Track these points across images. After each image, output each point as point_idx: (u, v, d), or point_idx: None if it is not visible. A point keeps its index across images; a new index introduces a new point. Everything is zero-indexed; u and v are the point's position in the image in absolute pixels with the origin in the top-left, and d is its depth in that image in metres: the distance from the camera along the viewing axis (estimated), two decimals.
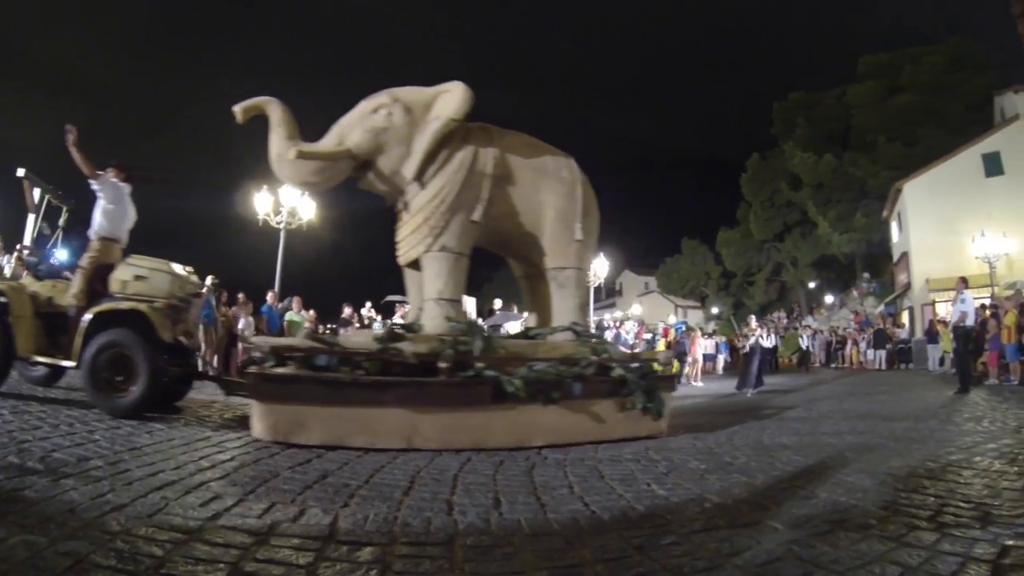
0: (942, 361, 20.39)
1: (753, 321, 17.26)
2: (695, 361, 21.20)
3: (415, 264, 7.15)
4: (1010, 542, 2.78)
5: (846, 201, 39.80)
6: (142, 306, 6.39)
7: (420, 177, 6.86)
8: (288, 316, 14.87)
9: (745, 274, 50.75)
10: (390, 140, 6.86)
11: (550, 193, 7.44)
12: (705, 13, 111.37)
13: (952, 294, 14.97)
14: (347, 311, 17.59)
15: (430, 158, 6.83)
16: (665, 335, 24.25)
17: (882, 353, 25.11)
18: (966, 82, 35.23)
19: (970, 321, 12.94)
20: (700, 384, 20.09)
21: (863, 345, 26.93)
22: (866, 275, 40.92)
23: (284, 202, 17.21)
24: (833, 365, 28.42)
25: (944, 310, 22.50)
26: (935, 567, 2.50)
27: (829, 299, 46.49)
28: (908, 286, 29.03)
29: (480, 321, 18.98)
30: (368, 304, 20.31)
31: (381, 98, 6.98)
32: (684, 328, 21.97)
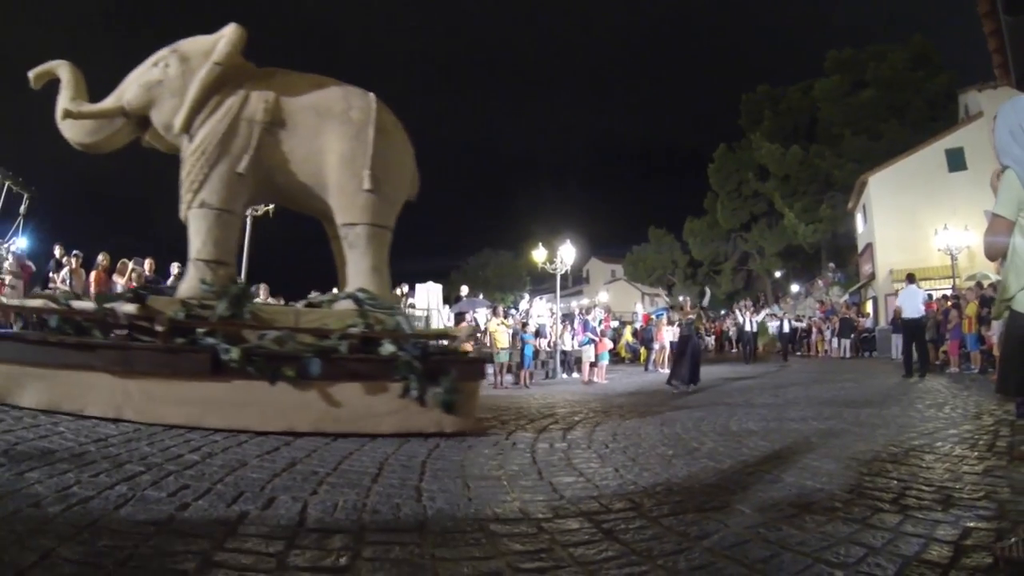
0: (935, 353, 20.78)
1: (687, 304, 14.71)
2: (662, 348, 21.35)
3: None
4: (971, 524, 2.84)
5: (812, 193, 40.29)
6: None
7: (188, 128, 6.42)
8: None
9: (712, 263, 51.08)
10: (163, 93, 6.53)
11: (334, 137, 6.63)
12: (674, 4, 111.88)
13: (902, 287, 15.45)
14: (313, 295, 17.45)
15: (196, 107, 6.42)
16: (646, 321, 24.41)
17: (847, 342, 25.47)
18: (927, 79, 35.97)
19: (908, 314, 13.66)
20: (667, 371, 20.27)
21: (828, 334, 27.27)
22: (831, 265, 41.35)
23: None
24: (799, 353, 28.73)
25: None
26: (899, 548, 2.54)
27: (795, 288, 46.99)
28: (872, 276, 29.46)
29: (447, 307, 18.98)
30: (335, 290, 20.16)
31: (163, 51, 6.70)
32: (664, 314, 22.11)
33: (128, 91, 6.60)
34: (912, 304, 13.86)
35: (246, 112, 6.46)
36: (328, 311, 6.47)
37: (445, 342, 6.84)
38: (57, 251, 11.97)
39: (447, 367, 5.87)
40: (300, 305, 7.19)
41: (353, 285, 6.68)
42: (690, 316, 13.50)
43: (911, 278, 14.39)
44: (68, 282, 11.50)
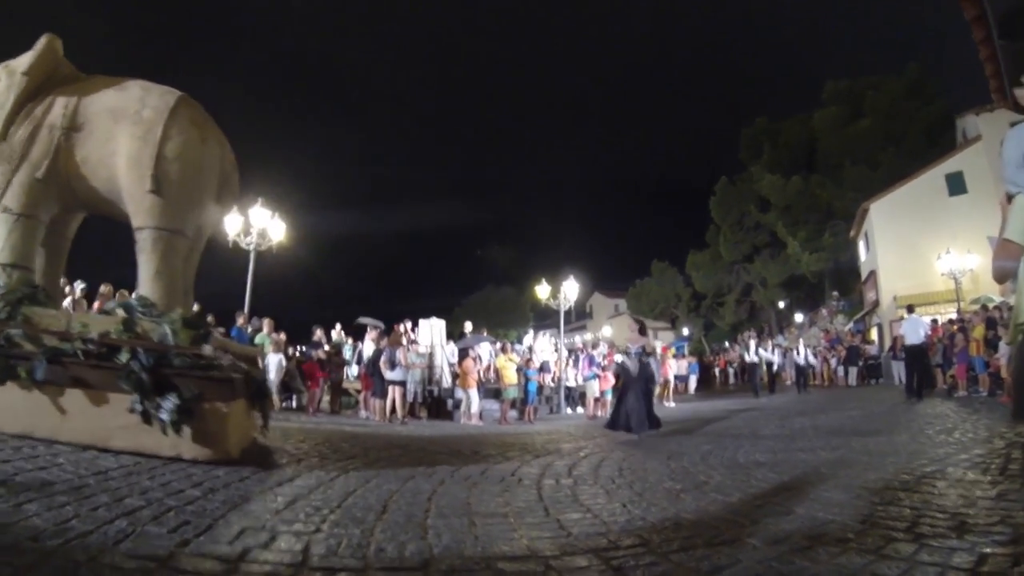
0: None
1: (631, 331, 11.53)
2: (666, 382, 21.29)
3: None
4: (988, 550, 2.78)
5: (814, 222, 40.48)
6: None
7: (4, 137, 6.48)
8: (258, 338, 14.70)
9: (715, 295, 51.14)
10: None
11: (125, 138, 6.46)
12: (674, 42, 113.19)
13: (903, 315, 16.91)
14: (318, 333, 17.47)
15: (10, 117, 6.50)
16: (664, 353, 24.32)
17: (853, 369, 25.36)
18: (923, 107, 36.38)
19: (910, 341, 14.96)
20: (672, 405, 20.17)
21: (834, 362, 27.17)
22: (835, 294, 41.39)
23: (254, 223, 17.07)
24: (815, 383, 28.34)
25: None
26: None
27: (799, 318, 46.94)
28: (876, 303, 29.45)
29: (450, 343, 18.95)
30: (338, 326, 20.16)
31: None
32: (684, 346, 22.12)
33: None
34: (913, 332, 15.03)
35: (49, 118, 6.51)
36: (107, 318, 6.12)
37: (227, 361, 6.07)
38: (61, 282, 12.03)
39: (182, 383, 5.34)
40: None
41: (139, 291, 6.49)
42: (640, 344, 10.92)
43: (911, 308, 15.86)
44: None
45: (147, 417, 5.19)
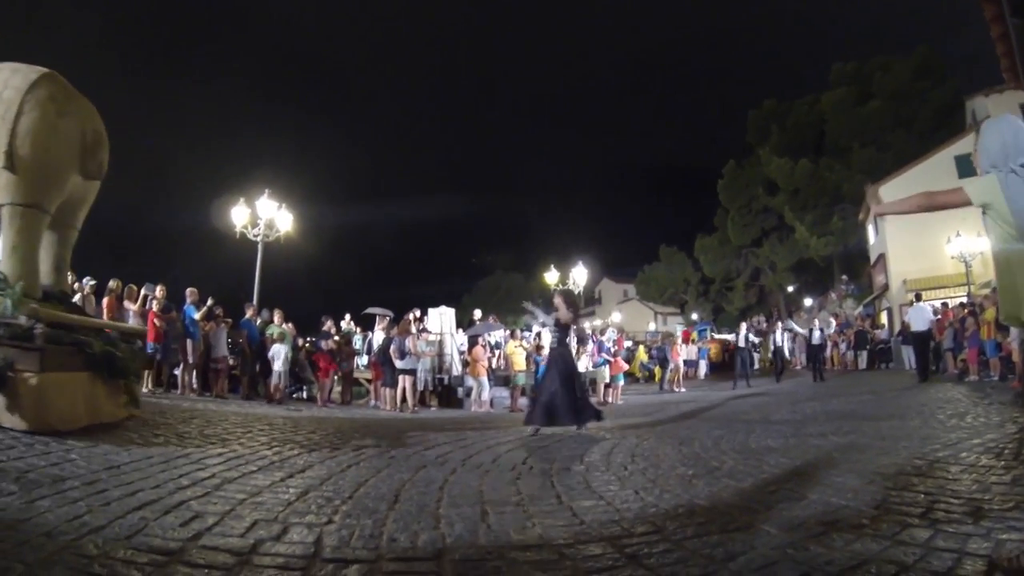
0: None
1: (539, 316, 10.42)
2: (676, 368, 21.25)
3: None
4: (1004, 536, 2.76)
5: (822, 205, 40.19)
6: None
7: None
8: (270, 329, 14.71)
9: (724, 280, 50.92)
10: None
11: None
12: (680, 25, 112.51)
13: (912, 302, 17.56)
14: (327, 323, 17.50)
15: None
16: (686, 338, 24.14)
17: (863, 354, 25.25)
18: (932, 89, 36.07)
19: (916, 327, 16.14)
20: (682, 390, 20.15)
21: (844, 346, 27.04)
22: (844, 277, 41.20)
23: (261, 214, 17.09)
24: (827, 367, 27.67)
25: None
26: (931, 564, 2.46)
27: (808, 302, 46.78)
28: (886, 287, 29.29)
29: (460, 331, 18.96)
30: (348, 316, 20.19)
31: None
32: (708, 328, 21.77)
33: None
34: (920, 319, 16.12)
35: None
36: None
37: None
38: (69, 278, 12.08)
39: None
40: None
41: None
42: (559, 317, 9.09)
43: (918, 297, 16.84)
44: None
45: None
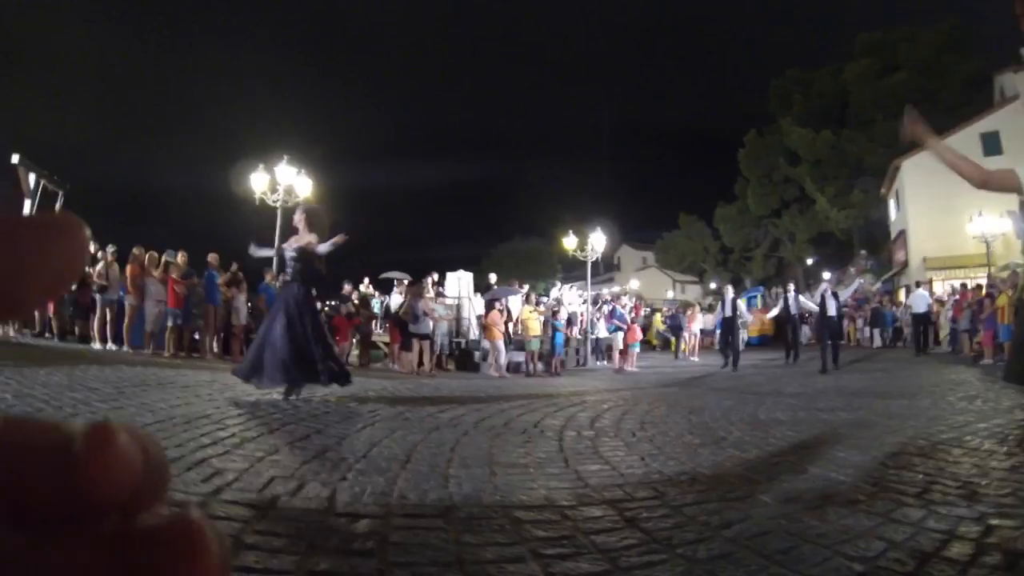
0: (937, 339, 20.56)
1: (262, 251, 8.19)
2: (693, 336, 21.29)
3: None
4: (995, 521, 2.82)
5: (844, 178, 39.68)
6: None
7: None
8: None
9: (743, 250, 50.63)
10: None
11: None
12: None
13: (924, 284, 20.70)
14: (346, 287, 17.63)
15: None
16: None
17: (878, 331, 25.12)
18: (960, 63, 35.24)
19: (916, 310, 19.44)
20: (696, 359, 20.22)
21: (860, 323, 26.88)
22: (863, 252, 40.85)
23: (281, 180, 17.15)
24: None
25: (940, 289, 22.96)
26: (919, 543, 2.55)
27: (826, 275, 46.46)
28: (905, 264, 29.08)
29: (478, 295, 19.05)
30: (366, 280, 20.33)
31: None
32: (758, 295, 21.43)
33: None
34: (920, 302, 19.38)
35: None
36: None
37: None
38: (92, 246, 12.20)
39: None
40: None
41: None
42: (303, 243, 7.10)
43: (918, 284, 20.95)
44: (105, 276, 11.77)
45: None
